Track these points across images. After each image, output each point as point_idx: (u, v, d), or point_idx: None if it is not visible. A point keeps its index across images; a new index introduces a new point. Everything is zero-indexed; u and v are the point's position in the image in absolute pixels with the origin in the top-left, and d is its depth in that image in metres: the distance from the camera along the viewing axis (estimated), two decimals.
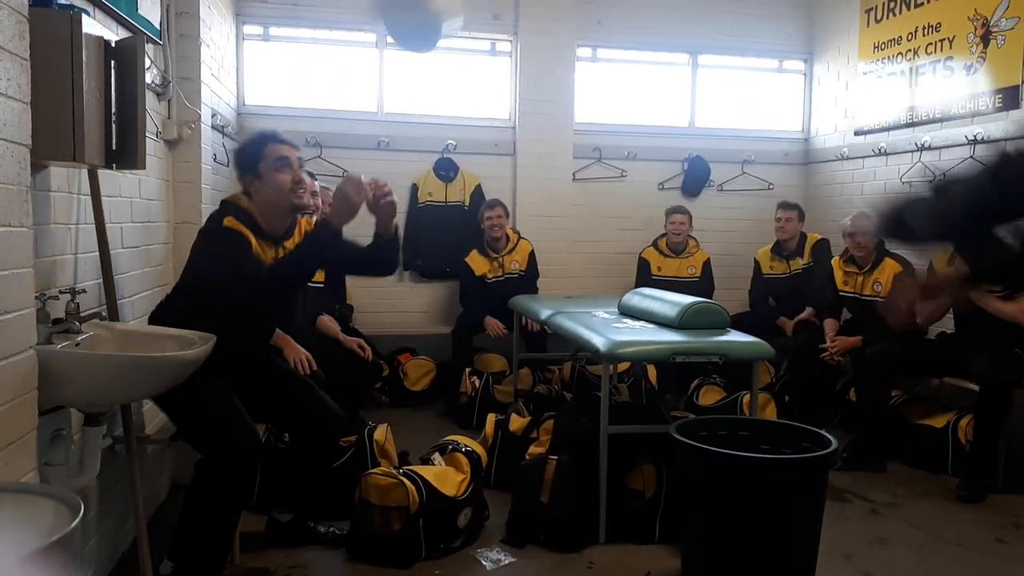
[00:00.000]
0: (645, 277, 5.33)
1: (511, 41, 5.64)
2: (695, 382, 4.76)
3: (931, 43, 4.88)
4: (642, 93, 6.00)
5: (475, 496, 3.05)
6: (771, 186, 6.03)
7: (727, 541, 2.43)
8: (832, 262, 4.68)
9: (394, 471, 2.92)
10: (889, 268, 4.32)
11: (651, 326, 3.45)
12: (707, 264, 5.40)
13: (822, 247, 5.07)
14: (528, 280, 5.17)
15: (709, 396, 4.59)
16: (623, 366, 4.82)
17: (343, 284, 4.83)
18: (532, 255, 5.20)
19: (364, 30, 5.45)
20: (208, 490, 2.47)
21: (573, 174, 5.72)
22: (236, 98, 5.19)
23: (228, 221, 2.45)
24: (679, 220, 5.32)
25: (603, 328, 3.34)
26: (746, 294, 5.64)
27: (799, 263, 5.10)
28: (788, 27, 6.07)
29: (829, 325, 4.55)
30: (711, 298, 5.16)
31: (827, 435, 2.51)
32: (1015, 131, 4.16)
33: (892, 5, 5.22)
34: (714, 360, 3.14)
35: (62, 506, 1.38)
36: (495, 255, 5.09)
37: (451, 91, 5.66)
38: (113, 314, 2.47)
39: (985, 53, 4.48)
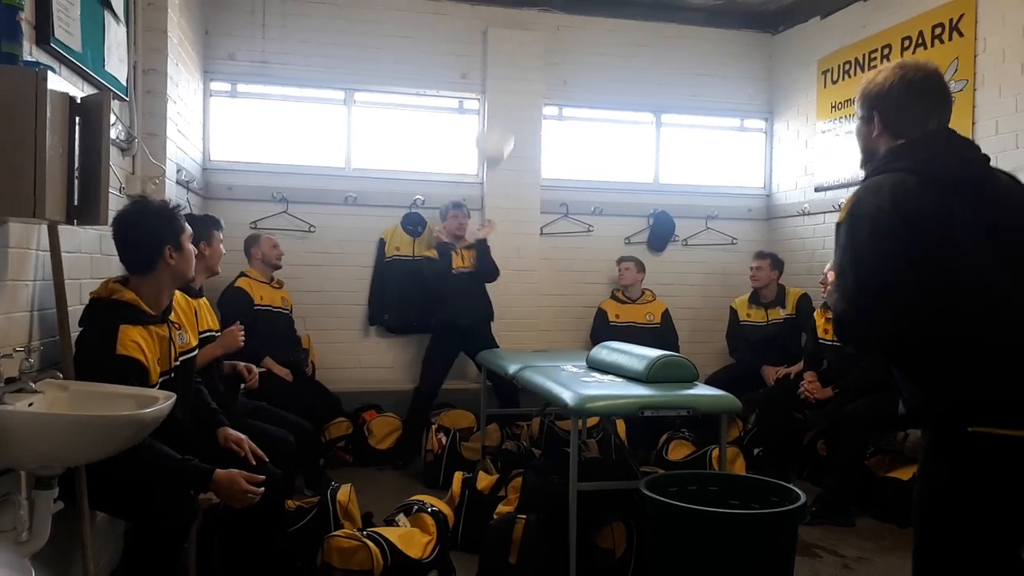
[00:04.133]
0: (602, 326, 5.43)
1: (479, 99, 5.73)
2: (664, 436, 4.75)
3: None
4: (607, 150, 6.11)
5: (441, 558, 2.99)
6: (735, 241, 6.14)
7: None
8: (815, 313, 4.77)
9: (357, 533, 2.85)
10: None
11: (619, 380, 3.44)
12: (666, 314, 5.52)
13: (807, 301, 5.16)
14: (480, 274, 5.15)
15: (678, 451, 4.57)
16: (592, 421, 4.80)
17: (293, 330, 4.85)
18: (483, 245, 5.19)
19: (332, 87, 5.51)
20: (143, 560, 2.38)
21: (540, 229, 5.77)
22: (202, 154, 5.18)
23: (121, 347, 2.34)
24: (624, 267, 5.51)
25: (571, 382, 3.32)
26: (712, 347, 5.69)
27: (779, 313, 5.17)
28: (749, 87, 6.26)
29: (808, 376, 4.58)
30: (676, 347, 5.23)
31: (796, 489, 2.50)
32: None
33: (847, 67, 5.42)
34: (682, 414, 3.14)
35: (12, 574, 1.31)
36: (453, 248, 5.14)
37: (419, 147, 5.72)
38: (70, 372, 2.40)
39: None
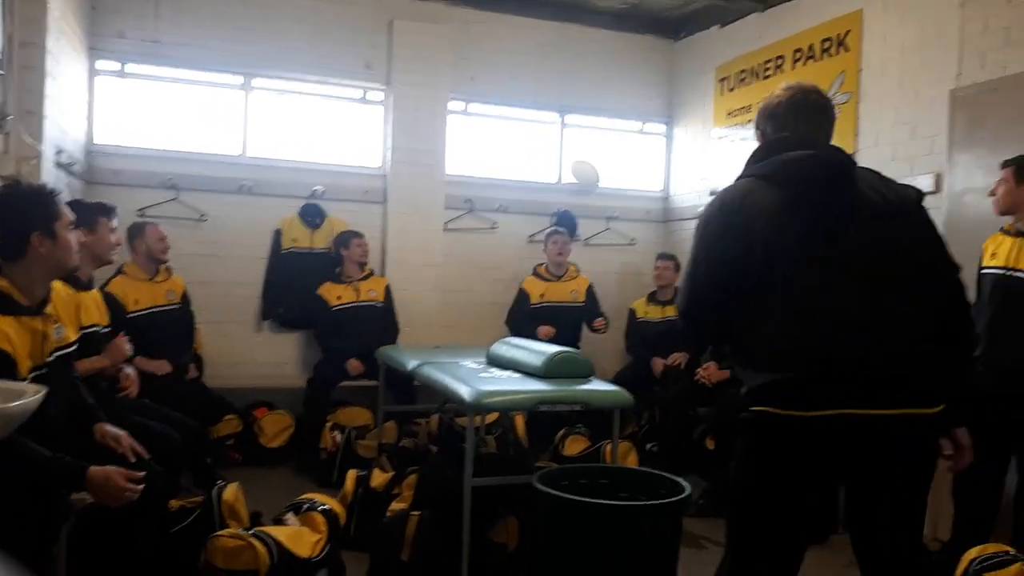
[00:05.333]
0: (523, 307, 5.40)
1: (383, 91, 5.64)
2: (561, 432, 4.79)
3: None
4: (513, 148, 6.14)
5: (332, 556, 2.91)
6: (634, 242, 6.26)
7: None
8: None
9: (243, 533, 2.75)
10: None
11: (517, 375, 3.44)
12: (591, 290, 5.57)
13: None
14: (387, 316, 5.14)
15: (574, 446, 4.63)
16: (491, 418, 4.80)
17: (190, 333, 4.61)
18: (389, 289, 5.23)
19: (230, 72, 5.31)
20: None
21: (445, 224, 5.73)
22: (86, 135, 4.90)
23: None
24: (562, 241, 5.48)
25: (470, 378, 3.31)
26: (611, 347, 5.79)
27: (675, 310, 5.28)
28: (650, 92, 6.40)
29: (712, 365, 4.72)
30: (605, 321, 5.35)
31: (682, 482, 2.57)
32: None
33: (743, 76, 5.62)
34: (576, 408, 3.18)
35: None
36: (351, 280, 5.07)
37: (320, 137, 5.58)
38: None
39: None
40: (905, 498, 1.87)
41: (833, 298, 1.79)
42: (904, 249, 1.85)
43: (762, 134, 2.07)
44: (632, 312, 5.55)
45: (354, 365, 4.85)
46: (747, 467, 1.87)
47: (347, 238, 5.16)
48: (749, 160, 2.00)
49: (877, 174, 1.98)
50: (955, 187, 3.95)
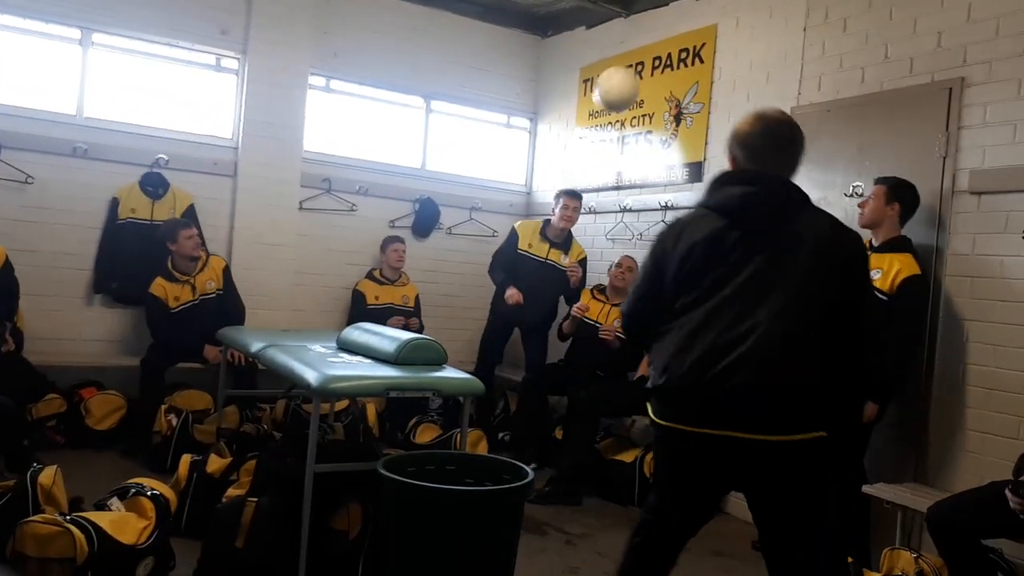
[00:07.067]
0: (360, 309, 5.32)
1: (239, 59, 5.37)
2: (413, 420, 4.77)
3: (636, 117, 5.46)
4: (377, 130, 6.01)
5: (159, 544, 2.76)
6: (495, 233, 6.29)
7: (424, 573, 2.43)
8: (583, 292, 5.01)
9: (59, 518, 2.54)
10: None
11: (368, 361, 3.37)
12: (418, 298, 5.60)
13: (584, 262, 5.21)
14: (229, 301, 4.84)
15: (425, 434, 4.62)
16: (341, 405, 4.70)
17: (11, 305, 4.23)
18: (227, 271, 4.90)
19: (67, 24, 4.87)
20: None
21: (300, 203, 5.54)
22: None
23: None
24: (401, 249, 5.50)
25: (318, 362, 3.20)
26: (466, 335, 5.81)
27: (559, 256, 5.11)
28: (517, 87, 6.46)
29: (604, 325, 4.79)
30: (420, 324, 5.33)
31: (526, 468, 2.61)
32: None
33: None
34: (427, 395, 3.15)
35: None
36: (185, 278, 4.69)
37: (168, 103, 5.22)
38: None
39: (677, 131, 5.11)
40: (786, 513, 2.02)
41: (724, 326, 1.96)
42: (821, 291, 1.98)
43: (732, 159, 2.21)
44: (515, 234, 5.21)
45: (214, 354, 4.56)
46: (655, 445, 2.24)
47: (173, 230, 4.64)
48: (706, 188, 2.17)
49: (828, 218, 2.10)
50: None
